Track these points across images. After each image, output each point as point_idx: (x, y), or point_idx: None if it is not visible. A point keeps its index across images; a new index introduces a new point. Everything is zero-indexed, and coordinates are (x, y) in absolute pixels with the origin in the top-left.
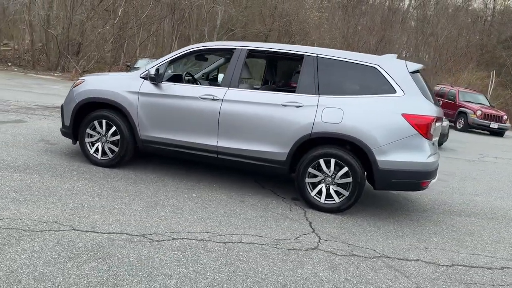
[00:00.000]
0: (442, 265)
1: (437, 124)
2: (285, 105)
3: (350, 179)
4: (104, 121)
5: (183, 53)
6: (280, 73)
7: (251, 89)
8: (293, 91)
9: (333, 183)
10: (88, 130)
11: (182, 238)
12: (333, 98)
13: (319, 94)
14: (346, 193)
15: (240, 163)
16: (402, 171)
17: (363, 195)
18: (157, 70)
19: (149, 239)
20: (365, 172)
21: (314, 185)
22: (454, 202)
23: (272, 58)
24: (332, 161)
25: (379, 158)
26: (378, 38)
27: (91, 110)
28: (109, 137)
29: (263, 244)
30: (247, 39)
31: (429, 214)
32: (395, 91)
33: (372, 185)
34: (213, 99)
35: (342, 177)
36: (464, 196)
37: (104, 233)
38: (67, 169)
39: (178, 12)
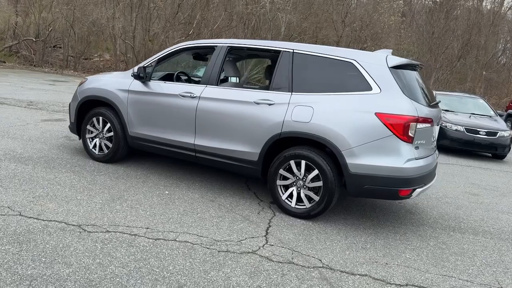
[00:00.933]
0: (392, 284)
1: (424, 125)
2: (258, 103)
3: (320, 183)
4: (101, 118)
5: (168, 52)
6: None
7: (235, 87)
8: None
9: (304, 186)
10: (88, 127)
11: (116, 232)
12: (305, 96)
13: (291, 92)
14: (317, 198)
15: (215, 162)
16: (375, 177)
17: (337, 201)
18: (144, 68)
19: (82, 229)
20: (342, 177)
21: (286, 188)
22: (469, 218)
23: (253, 55)
24: (303, 163)
25: (349, 161)
26: (463, 42)
27: (92, 107)
28: (105, 134)
29: (196, 244)
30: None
31: (424, 229)
32: (371, 88)
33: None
34: (191, 97)
35: (312, 180)
36: (488, 213)
37: (43, 220)
38: (63, 163)
39: (247, 21)
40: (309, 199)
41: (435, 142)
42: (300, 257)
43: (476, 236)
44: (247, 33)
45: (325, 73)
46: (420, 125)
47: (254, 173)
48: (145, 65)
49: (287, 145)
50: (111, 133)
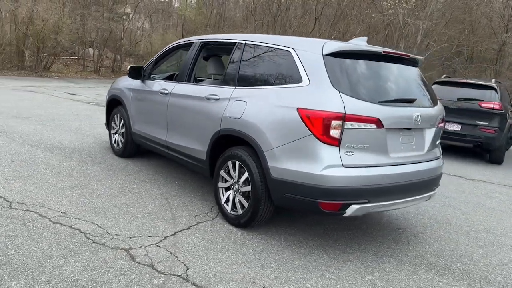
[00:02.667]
0: None
1: (361, 125)
2: (208, 99)
3: (249, 188)
4: (118, 116)
5: (163, 52)
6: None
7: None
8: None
9: (238, 190)
10: (112, 123)
11: (32, 211)
12: (244, 90)
13: (235, 85)
14: (246, 205)
15: (180, 160)
16: (295, 184)
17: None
18: (141, 67)
19: (9, 206)
20: None
21: (227, 191)
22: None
23: (224, 49)
24: (237, 164)
25: (271, 163)
26: None
27: (116, 105)
28: (120, 130)
29: (83, 232)
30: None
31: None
32: (301, 80)
33: None
34: (165, 94)
35: (244, 184)
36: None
37: None
38: (89, 155)
39: (378, 30)
40: (242, 205)
41: (423, 150)
42: (171, 262)
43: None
44: (380, 43)
45: (266, 64)
46: (352, 125)
47: (205, 173)
48: (148, 64)
49: (230, 144)
50: (123, 129)
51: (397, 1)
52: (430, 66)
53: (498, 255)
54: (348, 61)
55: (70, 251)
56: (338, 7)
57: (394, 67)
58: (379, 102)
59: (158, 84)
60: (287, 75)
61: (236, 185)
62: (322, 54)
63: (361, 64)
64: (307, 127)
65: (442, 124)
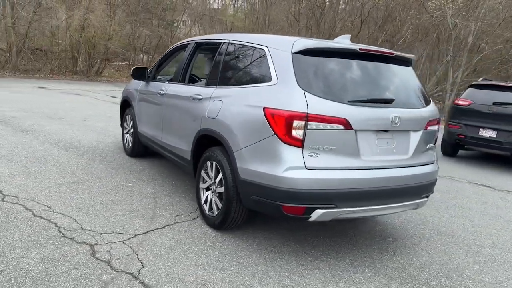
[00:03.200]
0: None
1: (327, 125)
2: (194, 98)
3: (223, 189)
4: (128, 116)
5: (166, 53)
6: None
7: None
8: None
9: (214, 191)
10: (124, 124)
11: (18, 204)
12: (223, 89)
13: (217, 85)
14: (220, 206)
15: (172, 160)
16: (260, 186)
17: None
18: (146, 69)
19: (0, 199)
20: None
21: (206, 192)
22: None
23: (212, 49)
24: (213, 164)
25: (239, 164)
26: None
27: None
28: (130, 130)
29: (58, 226)
30: None
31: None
32: (271, 79)
33: None
34: (161, 94)
35: (218, 185)
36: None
37: None
38: (100, 154)
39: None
40: (217, 206)
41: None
42: (129, 260)
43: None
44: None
45: (243, 63)
46: (316, 125)
47: (190, 173)
48: (154, 66)
49: (211, 144)
50: (132, 129)
51: (443, 1)
52: (484, 69)
53: (495, 272)
54: (318, 59)
55: (36, 243)
56: (386, 9)
57: (374, 66)
58: (349, 102)
59: (158, 85)
60: (261, 74)
61: (213, 186)
62: (291, 52)
63: (334, 63)
64: (271, 127)
65: (434, 127)
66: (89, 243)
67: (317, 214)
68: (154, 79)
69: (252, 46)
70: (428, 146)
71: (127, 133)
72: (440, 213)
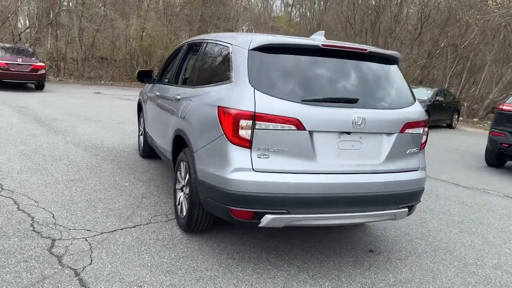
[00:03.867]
0: None
1: (277, 125)
2: (175, 99)
3: (188, 190)
4: (142, 118)
5: (170, 55)
6: None
7: None
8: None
9: (184, 193)
10: (139, 126)
11: (10, 198)
12: (194, 89)
13: (192, 85)
14: (186, 208)
15: (164, 160)
16: (211, 188)
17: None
18: (150, 71)
19: None
20: None
21: (180, 193)
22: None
23: (196, 50)
24: (184, 165)
25: (198, 165)
26: None
27: None
28: (142, 131)
29: (31, 221)
30: None
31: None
32: (230, 77)
33: None
34: (157, 96)
35: (186, 186)
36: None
37: None
38: (115, 154)
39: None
40: (185, 208)
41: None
42: (80, 257)
43: None
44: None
45: (214, 62)
46: (266, 125)
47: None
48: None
49: (184, 144)
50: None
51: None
52: None
53: None
54: (276, 56)
55: (4, 235)
56: (448, 10)
57: (340, 63)
58: (304, 101)
59: (158, 87)
60: (224, 72)
61: (185, 187)
62: (248, 49)
63: (292, 60)
64: (221, 127)
65: (415, 130)
66: (52, 238)
67: (266, 219)
68: (160, 81)
69: (221, 45)
70: (408, 151)
71: (140, 134)
72: (449, 228)
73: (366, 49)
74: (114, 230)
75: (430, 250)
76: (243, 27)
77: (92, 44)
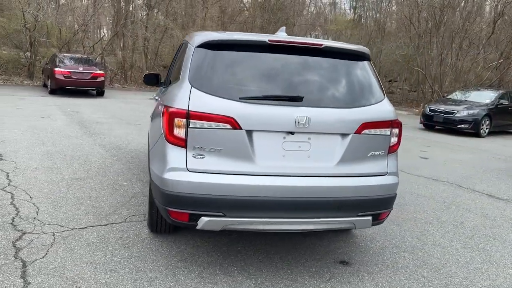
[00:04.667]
0: None
1: (212, 124)
2: (156, 99)
3: None
4: None
5: (172, 59)
6: None
7: None
8: None
9: None
10: None
11: (10, 192)
12: (164, 89)
13: (167, 86)
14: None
15: None
16: (155, 187)
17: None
18: (157, 75)
19: (1, 188)
20: None
21: None
22: None
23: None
24: None
25: (150, 164)
26: None
27: None
28: None
29: (16, 214)
30: None
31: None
32: (179, 76)
33: None
34: (155, 99)
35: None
36: None
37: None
38: (132, 155)
39: None
40: None
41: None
42: (37, 251)
43: None
44: None
45: (179, 61)
46: (201, 124)
47: None
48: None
49: None
50: None
51: None
52: None
53: None
54: (220, 53)
55: None
56: None
57: (289, 59)
58: (242, 99)
59: (159, 90)
60: (179, 71)
61: None
62: (194, 46)
63: (237, 56)
64: (162, 126)
65: (380, 131)
66: (23, 231)
67: (202, 222)
68: (165, 83)
69: (185, 44)
70: (371, 154)
71: None
72: (452, 242)
73: (322, 44)
74: (85, 227)
75: (413, 266)
76: (311, 32)
77: (156, 54)
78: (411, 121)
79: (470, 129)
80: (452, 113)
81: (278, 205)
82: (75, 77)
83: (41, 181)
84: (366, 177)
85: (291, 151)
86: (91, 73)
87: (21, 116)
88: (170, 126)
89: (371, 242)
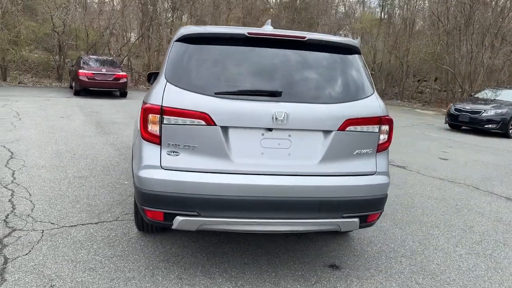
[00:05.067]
0: None
1: (186, 120)
2: None
3: None
4: None
5: None
6: None
7: None
8: None
9: None
10: None
11: (12, 190)
12: None
13: None
14: None
15: None
16: (134, 185)
17: None
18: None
19: (4, 185)
20: None
21: None
22: None
23: None
24: None
25: (132, 162)
26: None
27: None
28: None
29: (11, 209)
30: None
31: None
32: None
33: None
34: None
35: None
36: None
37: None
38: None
39: None
40: None
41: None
42: (21, 248)
43: None
44: None
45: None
46: (175, 120)
47: None
48: None
49: None
50: None
51: None
52: None
53: None
54: (197, 47)
55: None
56: None
57: (269, 53)
58: (217, 94)
59: None
60: (162, 66)
61: None
62: (174, 41)
63: (215, 50)
64: (138, 122)
65: (367, 128)
66: (13, 228)
67: (177, 221)
68: None
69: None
70: (357, 152)
71: None
72: (456, 247)
73: (305, 37)
74: (76, 225)
75: (408, 272)
76: (340, 32)
77: None
78: (437, 121)
79: (497, 129)
80: (478, 112)
81: (255, 205)
82: (98, 79)
83: (44, 179)
84: (352, 177)
85: (270, 149)
86: (114, 74)
87: (42, 116)
88: (145, 122)
89: (368, 245)
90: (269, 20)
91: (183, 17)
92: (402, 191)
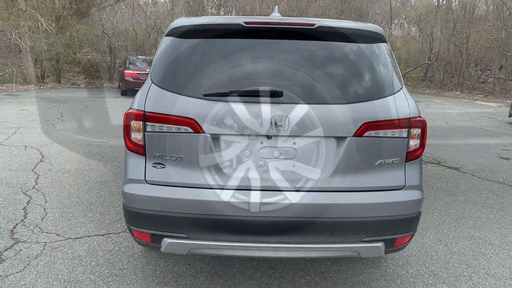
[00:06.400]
0: None
1: (171, 127)
2: None
3: None
4: None
5: None
6: None
7: None
8: None
9: None
10: None
11: (30, 196)
12: None
13: None
14: None
15: None
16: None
17: None
18: None
19: (19, 188)
20: None
21: None
22: None
23: None
24: None
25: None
26: None
27: None
28: None
29: (22, 216)
30: None
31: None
32: None
33: None
34: None
35: None
36: None
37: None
38: None
39: None
40: None
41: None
42: (18, 261)
43: None
44: None
45: None
46: (159, 127)
47: None
48: None
49: None
50: None
51: None
52: None
53: None
54: (187, 41)
55: None
56: None
57: (276, 45)
58: (206, 96)
59: None
60: None
61: None
62: (164, 36)
63: (207, 45)
64: (122, 130)
65: (387, 133)
66: (17, 240)
67: (164, 243)
68: None
69: None
70: (379, 162)
71: None
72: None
73: (314, 24)
74: (80, 237)
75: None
76: (396, 21)
77: None
78: (500, 113)
79: None
80: None
81: (253, 227)
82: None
83: (65, 184)
84: (372, 192)
85: (270, 160)
86: None
87: (84, 117)
88: (128, 130)
89: (403, 267)
90: (277, 6)
91: (229, 14)
92: (452, 198)
